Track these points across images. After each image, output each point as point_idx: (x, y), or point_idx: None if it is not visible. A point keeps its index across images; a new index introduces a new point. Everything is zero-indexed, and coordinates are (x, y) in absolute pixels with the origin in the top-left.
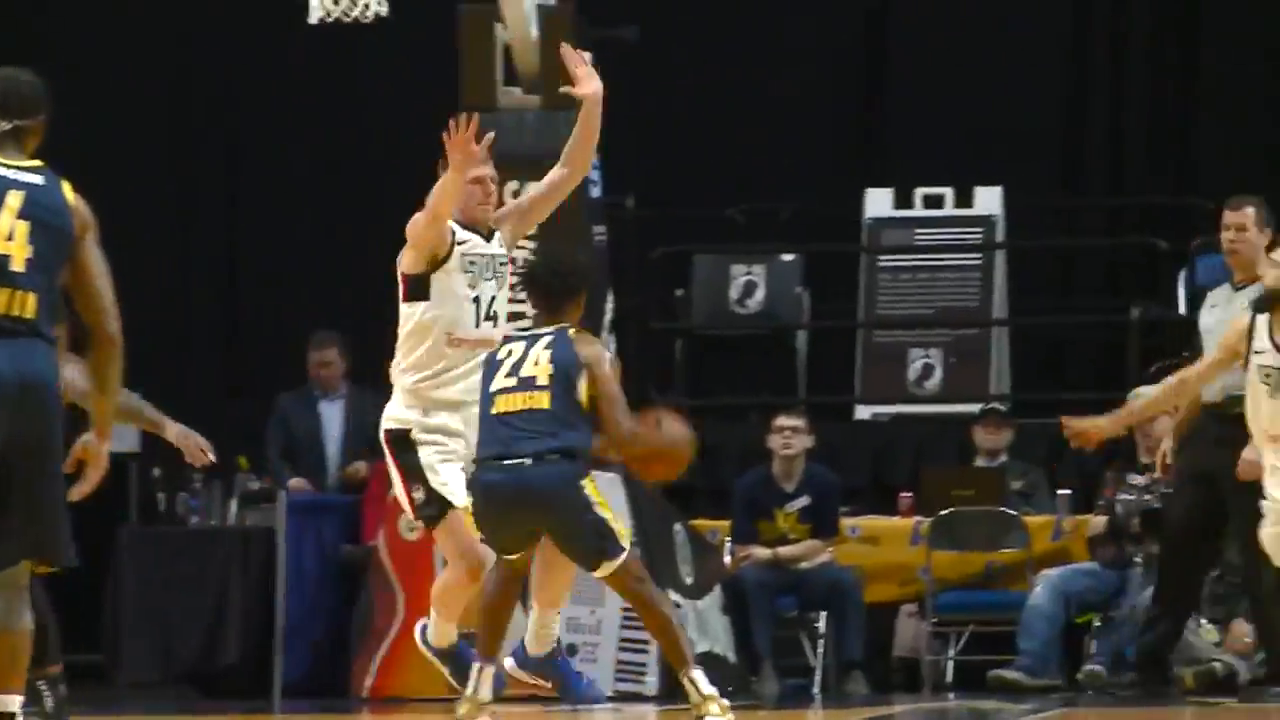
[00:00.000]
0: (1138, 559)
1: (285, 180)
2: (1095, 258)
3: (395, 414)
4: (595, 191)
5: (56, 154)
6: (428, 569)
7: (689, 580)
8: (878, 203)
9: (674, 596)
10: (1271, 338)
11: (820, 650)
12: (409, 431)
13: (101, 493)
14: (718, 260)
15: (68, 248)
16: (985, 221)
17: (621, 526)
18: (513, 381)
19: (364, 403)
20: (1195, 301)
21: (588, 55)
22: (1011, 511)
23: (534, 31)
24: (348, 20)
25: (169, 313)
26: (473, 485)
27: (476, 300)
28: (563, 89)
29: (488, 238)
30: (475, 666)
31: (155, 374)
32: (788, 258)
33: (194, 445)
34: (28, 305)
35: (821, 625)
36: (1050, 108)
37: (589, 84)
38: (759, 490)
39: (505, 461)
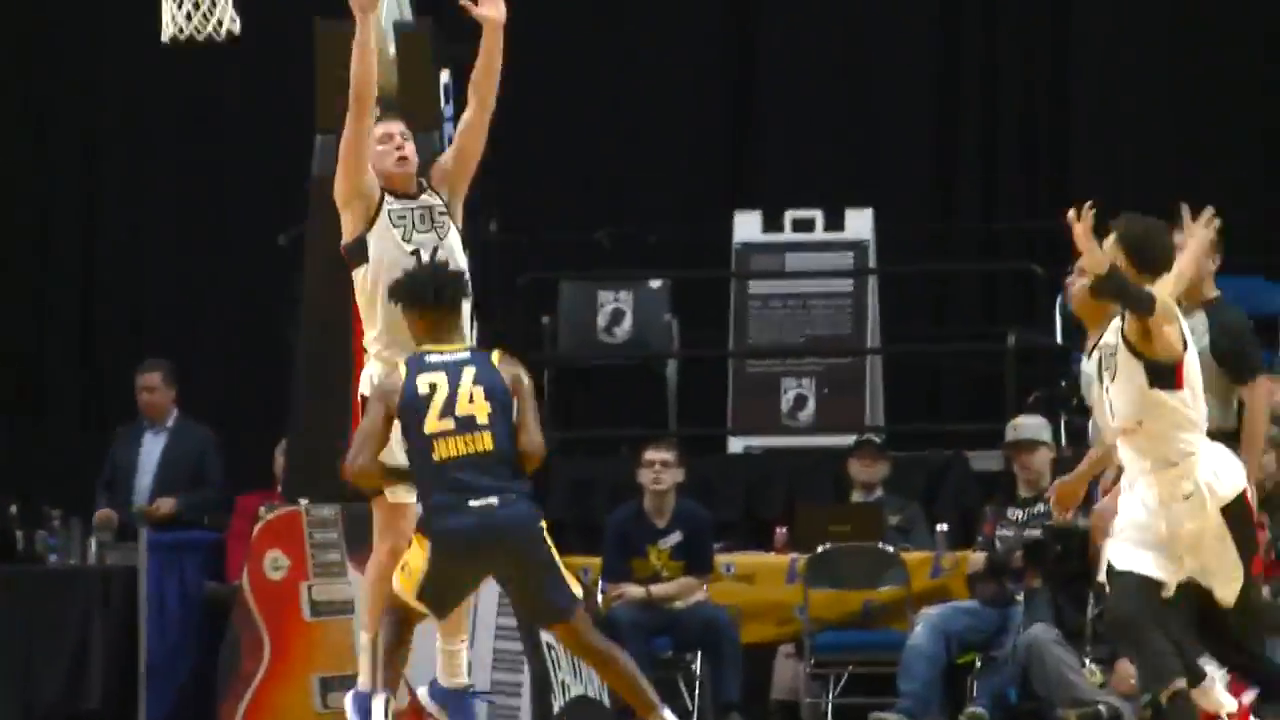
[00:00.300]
0: (1019, 596)
1: (144, 203)
2: (970, 283)
3: (368, 382)
4: None
5: None
6: (294, 610)
7: None
8: (746, 226)
9: (545, 637)
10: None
11: (696, 693)
12: None
13: None
14: (584, 287)
15: None
16: (857, 246)
17: (572, 578)
18: (450, 424)
19: (190, 436)
20: (1072, 328)
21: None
22: (889, 548)
23: (391, 50)
24: (200, 39)
25: (27, 344)
26: (435, 532)
27: (416, 254)
28: (463, 2)
29: (415, 194)
30: (380, 699)
31: (15, 406)
32: (655, 284)
33: None
34: None
35: (697, 667)
36: (920, 128)
37: (492, 6)
38: (630, 526)
39: (472, 503)
